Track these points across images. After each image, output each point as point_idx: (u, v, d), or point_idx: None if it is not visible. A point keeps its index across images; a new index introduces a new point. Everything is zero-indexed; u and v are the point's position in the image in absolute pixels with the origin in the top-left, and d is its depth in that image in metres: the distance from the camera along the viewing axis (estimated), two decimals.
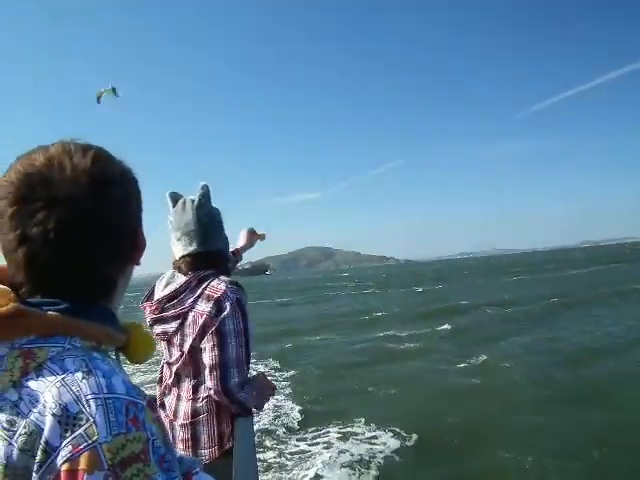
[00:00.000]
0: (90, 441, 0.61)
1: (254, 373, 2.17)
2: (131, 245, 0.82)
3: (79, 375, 0.66)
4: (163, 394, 2.07)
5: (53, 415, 0.62)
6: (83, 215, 0.72)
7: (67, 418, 0.63)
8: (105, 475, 0.60)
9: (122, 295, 0.86)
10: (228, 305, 1.87)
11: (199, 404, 1.93)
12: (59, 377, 0.66)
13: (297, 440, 6.97)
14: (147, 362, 0.94)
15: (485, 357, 11.21)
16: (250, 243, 2.79)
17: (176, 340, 1.96)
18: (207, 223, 1.99)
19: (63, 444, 0.61)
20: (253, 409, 2.00)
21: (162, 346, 2.05)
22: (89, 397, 0.64)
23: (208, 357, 1.87)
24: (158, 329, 2.00)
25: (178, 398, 1.99)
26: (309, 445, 6.74)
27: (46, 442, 0.62)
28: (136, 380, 10.51)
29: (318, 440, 6.92)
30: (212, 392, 1.88)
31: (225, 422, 1.93)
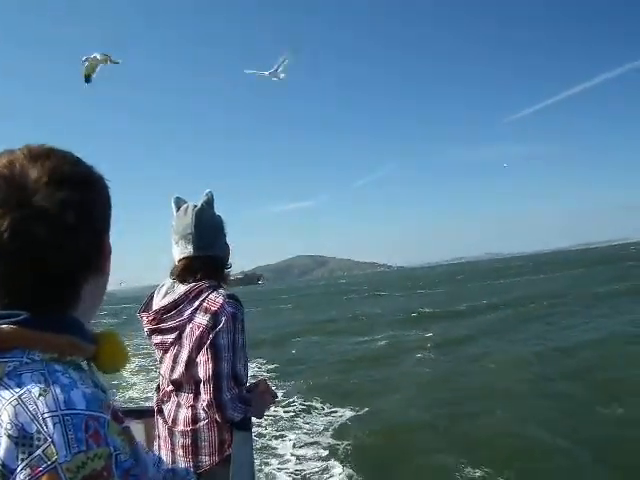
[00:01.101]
0: (49, 462, 0.59)
1: (254, 380, 2.21)
2: (94, 251, 0.78)
3: (36, 392, 0.64)
4: (162, 401, 2.07)
5: (9, 436, 0.61)
6: (38, 217, 0.69)
7: (24, 439, 0.61)
8: None
9: (94, 306, 0.83)
10: (224, 319, 1.88)
11: (199, 411, 1.94)
12: (16, 395, 0.64)
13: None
14: None
15: (454, 356, 12.49)
16: None
17: (174, 351, 1.96)
18: (206, 228, 2.00)
19: (20, 466, 0.59)
20: (253, 418, 2.03)
21: (159, 355, 2.06)
22: (46, 415, 0.62)
23: (202, 371, 1.88)
24: (156, 339, 2.00)
25: (178, 405, 1.99)
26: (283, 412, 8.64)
27: (2, 464, 0.60)
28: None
29: (288, 408, 8.93)
30: (205, 405, 1.89)
31: (225, 429, 1.93)
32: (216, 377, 1.87)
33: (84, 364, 0.78)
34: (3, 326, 0.68)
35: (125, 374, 11.94)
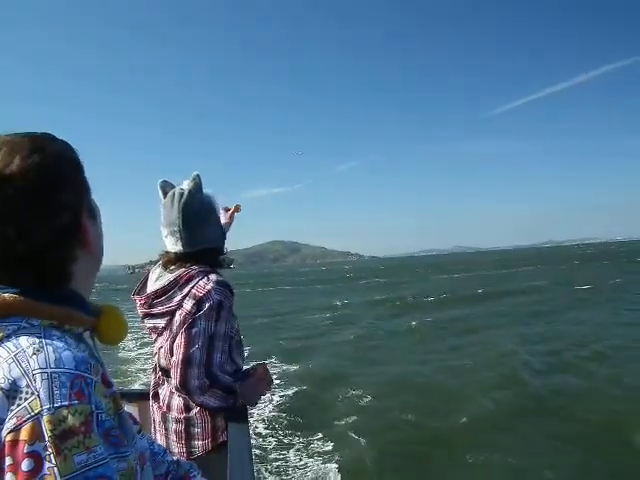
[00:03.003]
0: (33, 413, 0.64)
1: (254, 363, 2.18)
2: (73, 232, 0.82)
3: (30, 351, 0.69)
4: (157, 384, 2.05)
5: (1, 389, 0.66)
6: (5, 203, 0.74)
7: (14, 392, 0.66)
8: (45, 446, 0.63)
9: (88, 279, 0.88)
10: (207, 306, 1.85)
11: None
12: (12, 354, 0.69)
13: None
14: None
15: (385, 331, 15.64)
16: (230, 220, 2.76)
17: (165, 337, 1.94)
18: (193, 223, 1.93)
19: (9, 416, 0.64)
20: (248, 405, 2.00)
21: (154, 338, 2.03)
22: (36, 372, 0.67)
23: (174, 354, 1.87)
24: (149, 323, 1.98)
25: (171, 392, 1.97)
26: None
27: None
28: None
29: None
30: (174, 389, 1.89)
31: (219, 416, 1.92)
32: (185, 363, 1.84)
33: (86, 335, 0.84)
34: (4, 295, 0.74)
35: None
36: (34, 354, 0.68)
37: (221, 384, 1.90)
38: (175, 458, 1.15)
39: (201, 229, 1.96)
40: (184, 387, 1.84)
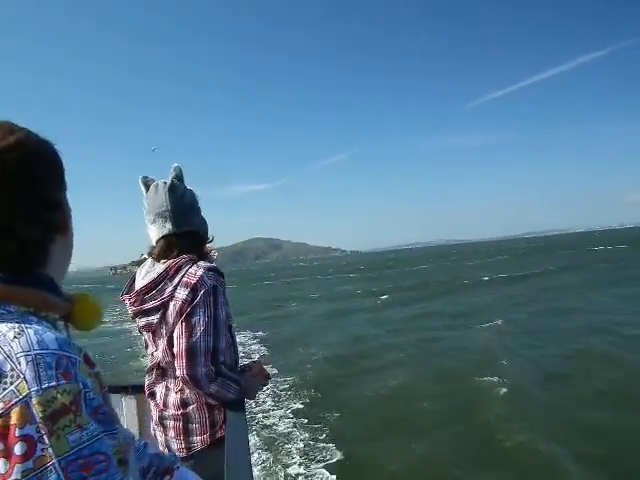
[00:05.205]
0: (21, 396, 0.63)
1: (248, 361, 2.19)
2: (55, 215, 0.83)
3: (10, 335, 0.68)
4: (153, 383, 2.02)
5: None
6: None
7: None
8: (37, 428, 0.62)
9: (64, 264, 0.88)
10: (202, 292, 1.83)
11: (187, 394, 1.91)
12: None
13: None
14: None
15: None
16: None
17: (161, 331, 1.90)
18: (181, 204, 1.95)
19: None
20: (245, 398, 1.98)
21: (147, 337, 2.00)
22: (20, 355, 0.66)
23: (176, 345, 1.83)
24: (141, 321, 1.93)
25: (167, 389, 1.95)
26: None
27: None
28: None
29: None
30: (182, 381, 1.85)
31: (217, 410, 1.91)
32: (189, 352, 1.81)
33: (60, 323, 0.83)
34: None
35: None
36: (15, 337, 0.67)
37: (227, 373, 1.89)
38: (156, 452, 1.14)
39: (187, 210, 1.97)
40: (191, 377, 1.81)
